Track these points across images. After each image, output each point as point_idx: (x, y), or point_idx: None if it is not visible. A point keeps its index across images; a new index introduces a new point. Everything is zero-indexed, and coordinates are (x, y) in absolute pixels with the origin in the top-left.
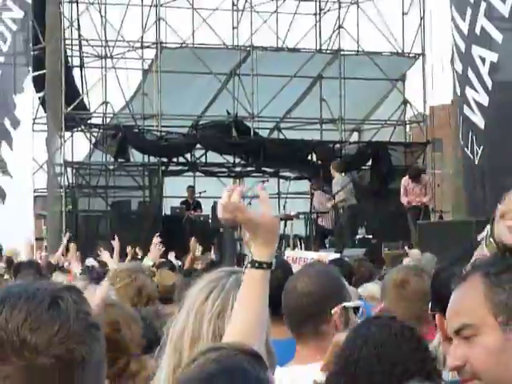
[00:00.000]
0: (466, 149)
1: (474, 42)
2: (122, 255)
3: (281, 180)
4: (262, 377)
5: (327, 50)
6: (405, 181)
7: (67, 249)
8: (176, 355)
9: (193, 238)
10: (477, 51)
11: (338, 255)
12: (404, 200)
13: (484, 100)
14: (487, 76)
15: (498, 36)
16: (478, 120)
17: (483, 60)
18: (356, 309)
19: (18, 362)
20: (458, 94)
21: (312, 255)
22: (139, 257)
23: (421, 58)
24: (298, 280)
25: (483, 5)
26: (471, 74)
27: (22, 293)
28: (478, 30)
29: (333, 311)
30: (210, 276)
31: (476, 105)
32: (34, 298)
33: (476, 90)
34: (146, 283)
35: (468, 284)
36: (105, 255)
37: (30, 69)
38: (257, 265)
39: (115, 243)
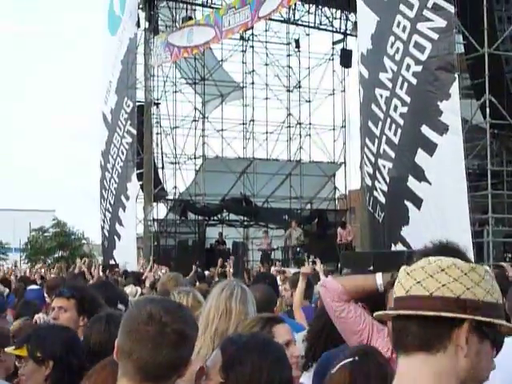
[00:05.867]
0: (375, 214)
1: (379, 157)
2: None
3: (269, 229)
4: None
5: (293, 160)
6: (339, 229)
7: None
8: (208, 326)
9: (220, 259)
10: (381, 162)
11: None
12: (338, 240)
13: (385, 188)
14: (386, 175)
15: (392, 154)
16: (382, 198)
17: (384, 166)
18: None
19: (154, 327)
20: (369, 184)
21: (288, 270)
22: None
23: (343, 164)
24: (253, 292)
25: (384, 137)
26: (378, 175)
27: (163, 298)
28: (381, 151)
29: (275, 309)
30: (221, 283)
31: (380, 191)
32: (168, 301)
33: (380, 183)
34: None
35: None
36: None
37: (135, 168)
38: None
39: (194, 266)
